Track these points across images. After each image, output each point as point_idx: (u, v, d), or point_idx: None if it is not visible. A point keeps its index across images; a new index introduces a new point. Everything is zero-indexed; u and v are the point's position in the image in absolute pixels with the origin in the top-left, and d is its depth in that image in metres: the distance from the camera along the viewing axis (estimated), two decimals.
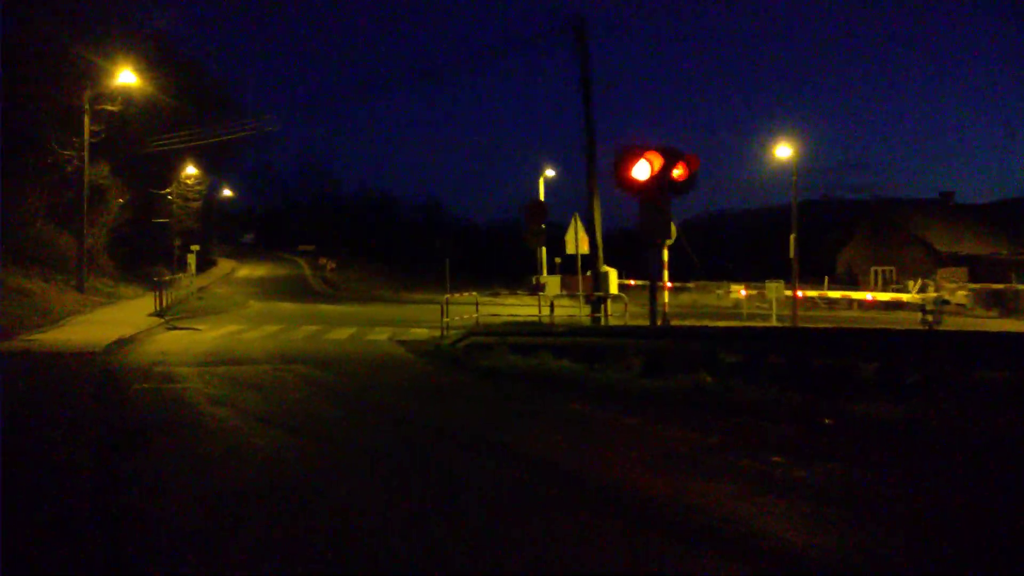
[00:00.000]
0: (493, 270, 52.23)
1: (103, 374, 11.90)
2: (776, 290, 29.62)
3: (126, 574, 3.97)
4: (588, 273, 19.08)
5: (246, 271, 66.87)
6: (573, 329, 15.06)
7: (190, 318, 24.37)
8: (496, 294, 25.79)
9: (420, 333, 19.35)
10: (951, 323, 24.95)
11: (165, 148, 37.20)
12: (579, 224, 19.04)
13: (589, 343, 12.54)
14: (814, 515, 4.68)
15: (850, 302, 37.09)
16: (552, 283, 21.34)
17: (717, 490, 5.22)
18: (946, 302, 27.98)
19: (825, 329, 17.21)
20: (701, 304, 38.11)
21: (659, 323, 12.71)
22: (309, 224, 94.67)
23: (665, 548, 4.22)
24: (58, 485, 5.59)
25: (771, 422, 7.54)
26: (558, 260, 30.82)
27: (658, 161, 10.92)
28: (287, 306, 34.06)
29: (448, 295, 19.69)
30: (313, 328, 21.33)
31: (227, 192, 70.56)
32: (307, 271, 70.27)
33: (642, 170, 10.93)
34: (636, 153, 10.99)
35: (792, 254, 28.25)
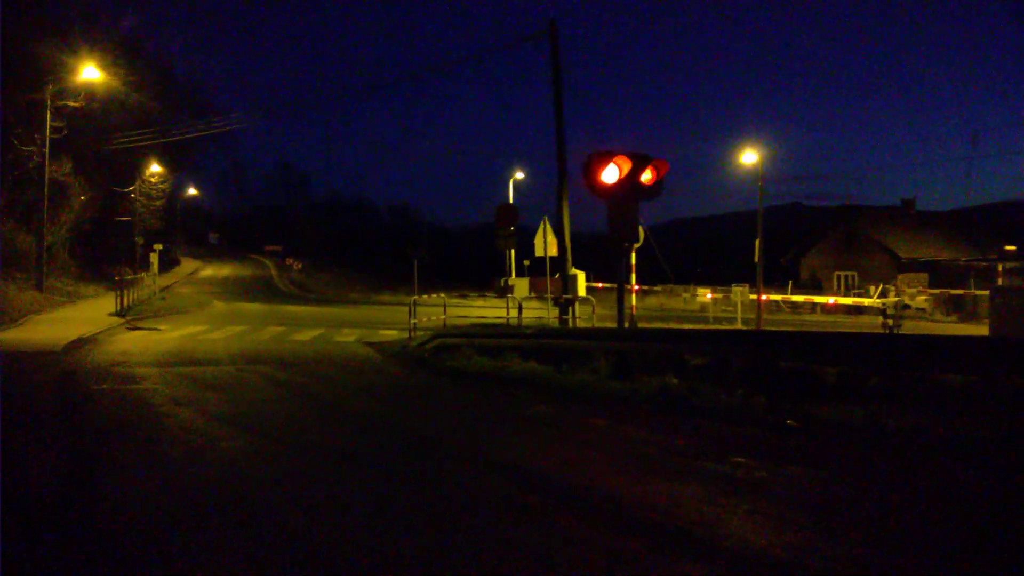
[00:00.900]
0: (463, 273, 52.24)
1: (62, 374, 11.67)
2: (741, 294, 29.99)
3: None
4: (557, 276, 19.14)
5: (210, 271, 66.03)
6: (541, 331, 15.08)
7: (152, 318, 24.00)
8: (465, 296, 25.77)
9: (388, 334, 19.25)
10: (911, 327, 25.41)
11: (129, 145, 36.59)
12: (548, 227, 19.11)
13: (557, 345, 12.56)
14: (777, 516, 4.73)
15: (813, 306, 37.64)
16: (520, 285, 21.39)
17: (683, 492, 5.25)
18: (906, 307, 28.50)
19: (789, 332, 17.41)
20: (668, 307, 38.42)
21: (626, 326, 12.77)
22: (277, 225, 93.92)
23: (633, 550, 4.23)
24: (11, 489, 5.46)
25: (736, 424, 7.60)
26: (527, 263, 30.90)
27: (627, 165, 10.99)
28: (252, 306, 33.70)
29: (416, 296, 19.63)
30: (279, 329, 21.12)
31: (192, 191, 69.80)
32: (273, 272, 69.59)
33: (611, 174, 11.00)
34: (605, 157, 11.05)
35: (757, 259, 28.61)
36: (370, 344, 17.15)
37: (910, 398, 7.62)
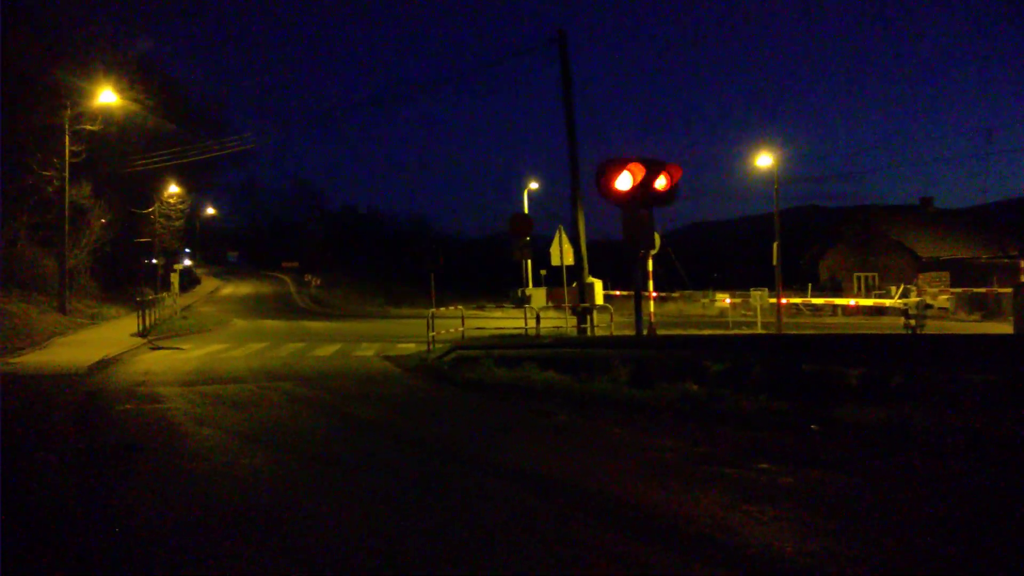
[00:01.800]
0: (479, 283, 52.27)
1: (86, 395, 11.79)
2: (760, 298, 29.85)
3: None
4: (573, 284, 19.12)
5: (230, 289, 66.55)
6: (559, 341, 15.06)
7: (174, 337, 24.20)
8: (482, 307, 25.81)
9: (407, 348, 19.29)
10: (933, 327, 25.14)
11: (147, 167, 37.00)
12: (563, 236, 19.10)
13: (575, 354, 12.53)
14: (801, 522, 4.69)
15: (834, 308, 37.33)
16: (537, 295, 21.36)
17: (705, 499, 5.22)
18: (928, 306, 28.19)
19: (810, 335, 17.30)
20: (687, 313, 38.25)
21: (645, 333, 12.73)
22: (294, 241, 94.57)
23: (657, 557, 4.21)
24: (40, 508, 5.52)
25: (757, 430, 7.55)
26: (543, 272, 30.88)
27: (640, 172, 10.98)
28: (272, 323, 33.90)
29: (434, 309, 19.65)
30: (299, 345, 21.23)
31: (210, 210, 70.40)
32: (292, 288, 70.01)
33: (624, 181, 11.00)
34: (619, 164, 11.05)
35: (775, 262, 28.45)
36: (389, 358, 17.20)
37: (934, 399, 7.54)
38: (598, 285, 18.42)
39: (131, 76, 31.13)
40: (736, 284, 40.01)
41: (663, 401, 9.19)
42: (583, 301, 17.88)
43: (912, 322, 23.33)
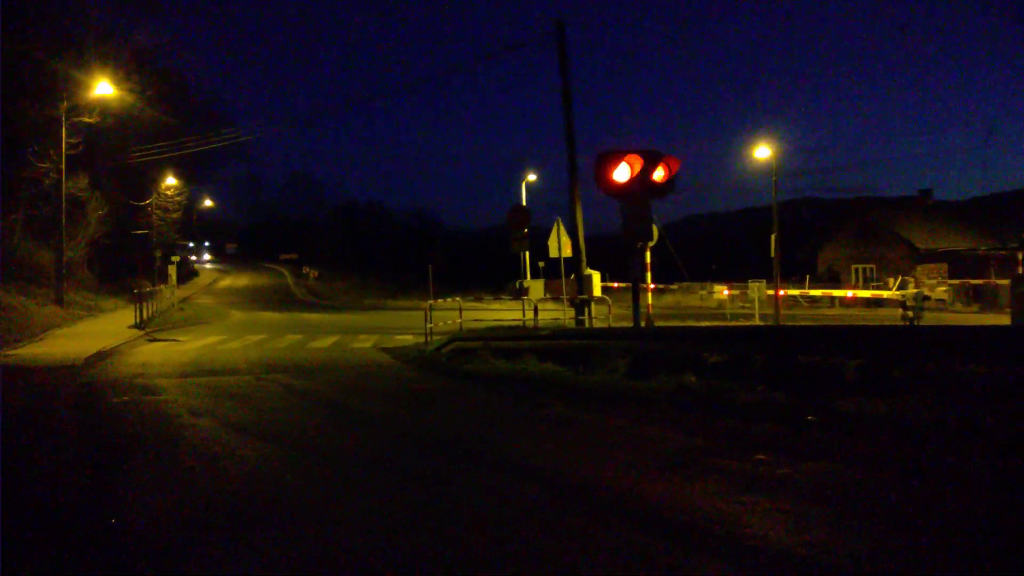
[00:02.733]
0: (478, 275, 52.22)
1: (83, 387, 11.77)
2: (758, 290, 29.81)
3: None
4: (571, 276, 19.11)
5: (228, 281, 66.51)
6: (557, 332, 15.04)
7: (171, 329, 24.17)
8: (480, 299, 25.79)
9: (405, 340, 19.27)
10: (932, 319, 25.15)
11: (144, 159, 36.92)
12: (561, 228, 19.09)
13: (573, 346, 12.53)
14: (799, 513, 4.68)
15: (832, 300, 37.35)
16: (535, 287, 21.38)
17: (703, 490, 5.21)
18: (927, 298, 28.20)
19: (808, 327, 17.30)
20: (685, 305, 38.24)
21: (643, 324, 12.73)
22: (293, 233, 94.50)
23: (653, 548, 4.21)
24: (35, 500, 5.50)
25: (756, 421, 7.54)
26: (541, 264, 30.87)
27: (638, 164, 10.95)
28: (270, 315, 33.87)
29: (431, 301, 19.64)
30: (296, 337, 21.21)
31: (208, 203, 70.35)
32: (290, 280, 69.98)
33: (622, 173, 10.97)
34: (616, 156, 11.02)
35: (773, 254, 28.41)
36: (386, 350, 17.18)
37: (932, 390, 7.53)
38: (596, 277, 18.42)
39: (128, 67, 31.07)
40: (734, 276, 39.98)
41: (661, 393, 9.18)
42: (581, 293, 17.87)
43: (910, 313, 23.35)
